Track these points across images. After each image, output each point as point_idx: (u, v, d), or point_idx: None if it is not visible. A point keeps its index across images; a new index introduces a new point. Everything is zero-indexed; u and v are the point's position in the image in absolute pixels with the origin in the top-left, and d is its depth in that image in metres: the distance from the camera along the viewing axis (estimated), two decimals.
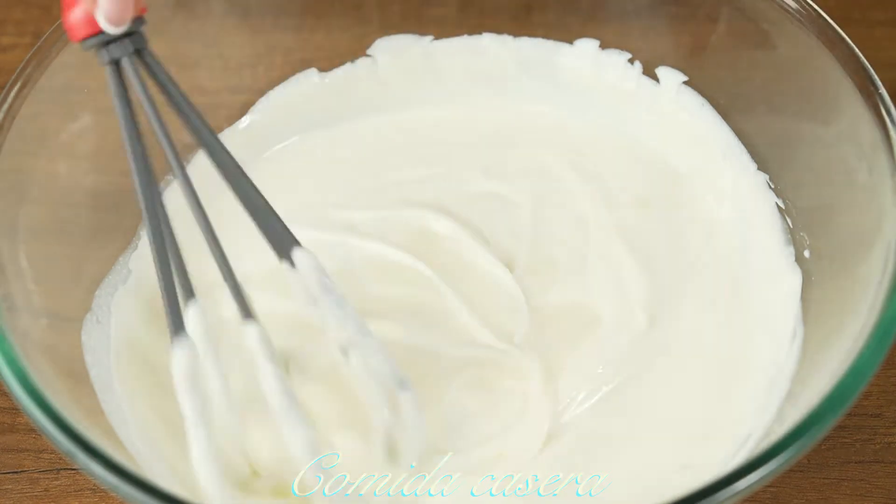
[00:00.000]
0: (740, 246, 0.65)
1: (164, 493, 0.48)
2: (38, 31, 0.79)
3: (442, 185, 0.69)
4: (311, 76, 0.72)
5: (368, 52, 0.72)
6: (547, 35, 0.72)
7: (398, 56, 0.72)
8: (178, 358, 0.52)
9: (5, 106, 0.59)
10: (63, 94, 0.62)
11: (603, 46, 0.71)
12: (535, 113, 0.72)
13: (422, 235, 0.66)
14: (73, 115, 0.64)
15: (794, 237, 0.63)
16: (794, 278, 0.62)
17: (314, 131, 0.71)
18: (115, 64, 0.54)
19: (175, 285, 0.52)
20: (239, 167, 0.55)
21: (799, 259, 0.62)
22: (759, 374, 0.59)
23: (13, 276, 0.57)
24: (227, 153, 0.55)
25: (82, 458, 0.49)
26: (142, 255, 0.65)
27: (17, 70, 0.60)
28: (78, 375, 0.59)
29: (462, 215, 0.67)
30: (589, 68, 0.71)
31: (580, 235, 0.66)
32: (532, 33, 0.72)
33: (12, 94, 0.59)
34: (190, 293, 0.52)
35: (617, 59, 0.71)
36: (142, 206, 0.53)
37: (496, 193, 0.68)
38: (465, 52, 0.72)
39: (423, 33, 0.72)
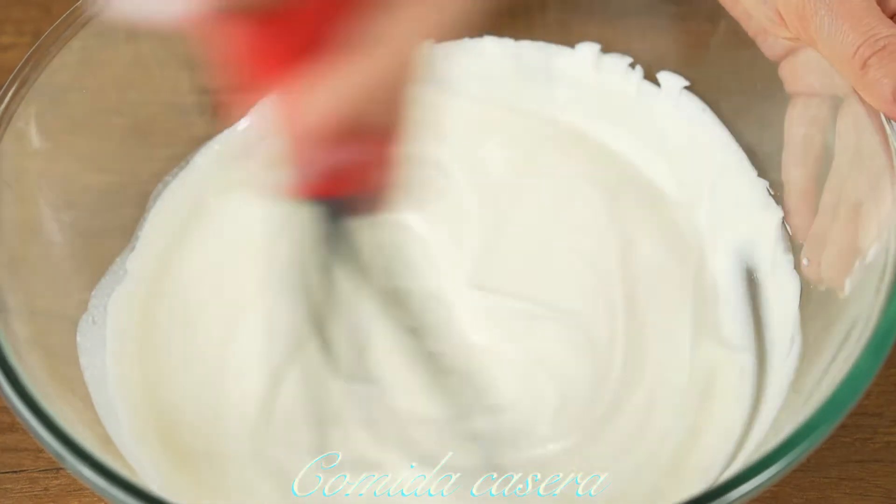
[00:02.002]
0: (739, 252, 0.65)
1: (154, 497, 0.48)
2: (38, 30, 0.79)
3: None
4: None
5: None
6: (546, 35, 0.72)
7: None
8: None
9: (3, 105, 0.59)
10: (62, 93, 0.62)
11: (604, 48, 0.71)
12: (532, 113, 0.72)
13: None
14: (72, 115, 0.64)
15: (794, 244, 0.63)
16: (793, 286, 0.62)
17: None
18: None
19: None
20: None
21: (797, 267, 0.62)
22: (756, 379, 0.59)
23: (6, 275, 0.57)
24: None
25: (70, 460, 0.49)
26: (139, 255, 0.65)
27: (16, 69, 0.60)
28: (71, 376, 0.59)
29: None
30: (590, 72, 0.71)
31: (574, 239, 0.66)
32: (531, 33, 0.72)
33: (10, 93, 0.59)
34: None
35: (618, 64, 0.71)
36: None
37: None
38: (465, 54, 0.72)
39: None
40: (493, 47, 0.72)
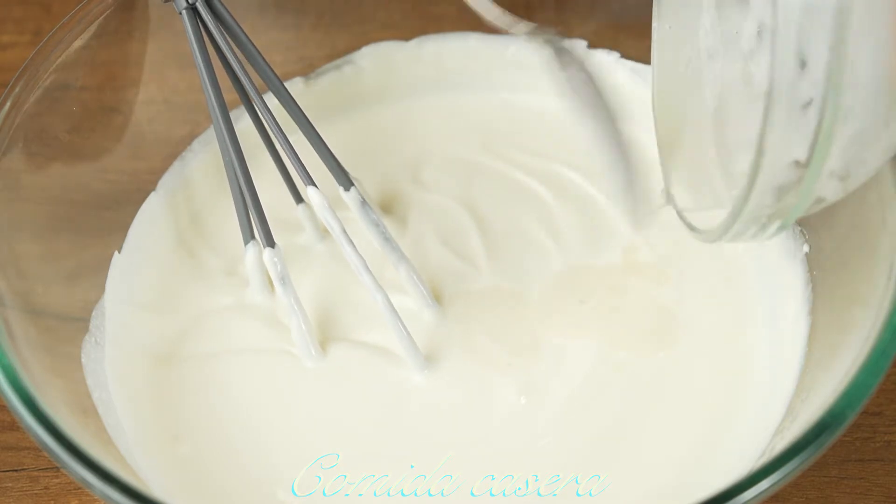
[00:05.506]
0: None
1: (156, 501, 0.48)
2: (38, 29, 0.79)
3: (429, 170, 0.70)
4: (296, 84, 0.72)
5: (352, 57, 0.72)
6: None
7: (383, 57, 0.73)
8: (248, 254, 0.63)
9: (7, 105, 0.59)
10: (64, 93, 0.62)
11: (596, 45, 0.71)
12: (522, 104, 0.72)
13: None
14: (74, 115, 0.64)
15: (794, 234, 0.63)
16: (796, 275, 0.62)
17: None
18: (192, 9, 0.60)
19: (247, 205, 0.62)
20: (303, 112, 0.63)
21: (800, 257, 0.62)
22: (761, 379, 0.60)
23: (9, 275, 0.57)
24: (292, 98, 0.63)
25: (69, 463, 0.49)
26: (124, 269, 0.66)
27: (20, 70, 0.60)
28: (71, 376, 0.59)
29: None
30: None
31: (572, 223, 0.67)
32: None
33: (15, 92, 0.59)
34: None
35: (606, 57, 0.71)
36: (220, 141, 0.62)
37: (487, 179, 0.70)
38: (452, 50, 0.73)
39: (424, 32, 0.72)
40: (478, 44, 0.73)
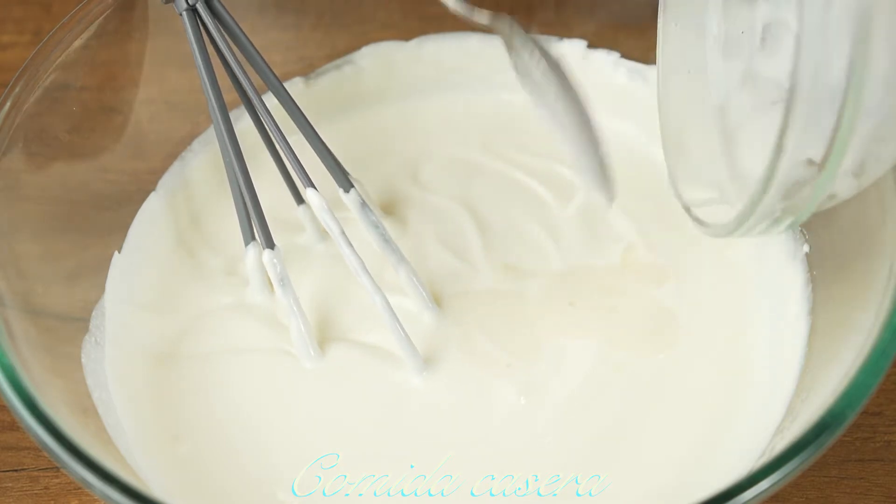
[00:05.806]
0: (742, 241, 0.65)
1: (156, 501, 0.48)
2: (38, 29, 0.79)
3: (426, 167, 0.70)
4: (296, 84, 0.72)
5: (352, 57, 0.72)
6: (548, 33, 0.72)
7: (383, 57, 0.73)
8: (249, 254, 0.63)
9: (7, 105, 0.59)
10: (64, 93, 0.62)
11: (596, 45, 0.71)
12: (522, 104, 0.72)
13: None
14: (74, 115, 0.64)
15: (794, 234, 0.63)
16: (796, 275, 0.62)
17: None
18: (193, 11, 0.60)
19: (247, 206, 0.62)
20: (302, 113, 0.63)
21: (800, 257, 0.62)
22: (761, 379, 0.60)
23: (9, 275, 0.57)
24: (292, 99, 0.63)
25: (69, 462, 0.49)
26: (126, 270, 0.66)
27: (20, 70, 0.60)
28: (71, 376, 0.59)
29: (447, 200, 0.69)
30: (578, 63, 0.71)
31: (572, 223, 0.67)
32: (532, 31, 0.72)
33: (15, 92, 0.59)
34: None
35: (606, 57, 0.71)
36: (220, 141, 0.62)
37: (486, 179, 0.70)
38: (452, 50, 0.73)
39: (424, 32, 0.72)
40: (479, 44, 0.73)
